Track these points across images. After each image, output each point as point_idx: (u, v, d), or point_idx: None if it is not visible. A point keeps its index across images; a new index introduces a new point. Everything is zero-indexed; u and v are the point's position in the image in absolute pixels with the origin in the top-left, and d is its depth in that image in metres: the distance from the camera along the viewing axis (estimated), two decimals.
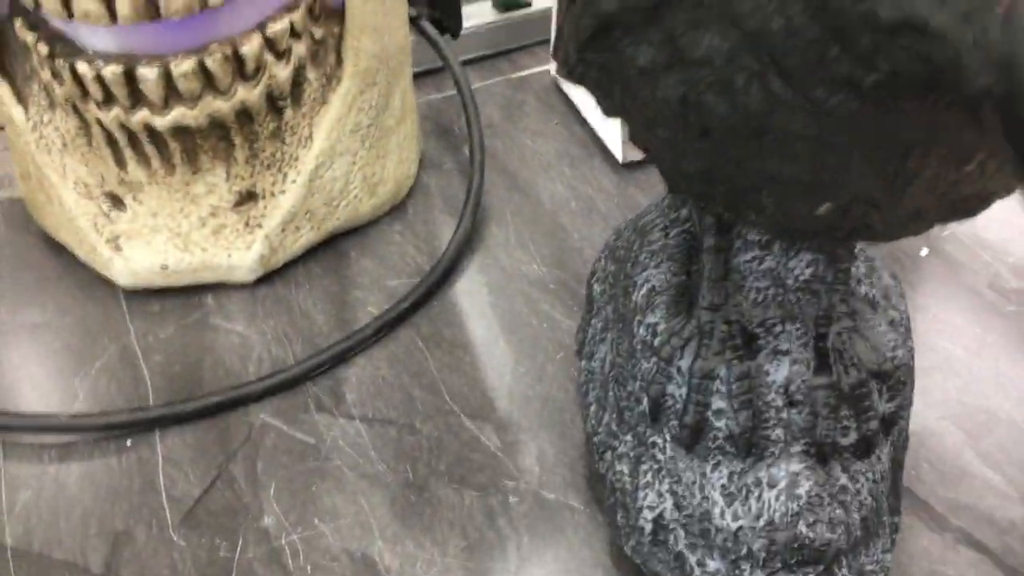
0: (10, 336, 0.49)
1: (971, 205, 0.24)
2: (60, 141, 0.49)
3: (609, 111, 0.28)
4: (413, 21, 0.62)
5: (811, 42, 0.18)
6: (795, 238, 0.31)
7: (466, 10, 0.69)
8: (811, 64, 0.18)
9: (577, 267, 0.51)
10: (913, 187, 0.22)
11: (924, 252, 0.50)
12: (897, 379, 0.33)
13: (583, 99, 0.63)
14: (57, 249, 0.53)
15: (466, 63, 0.68)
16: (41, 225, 0.54)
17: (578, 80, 0.28)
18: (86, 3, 0.41)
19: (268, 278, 0.51)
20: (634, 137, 0.28)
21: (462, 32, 0.66)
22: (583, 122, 0.61)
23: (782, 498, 0.32)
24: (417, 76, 0.65)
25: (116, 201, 0.49)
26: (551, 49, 0.30)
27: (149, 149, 0.47)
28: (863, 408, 0.32)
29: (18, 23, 0.47)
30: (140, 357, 0.47)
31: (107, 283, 0.51)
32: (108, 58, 0.44)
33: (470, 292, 0.50)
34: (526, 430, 0.43)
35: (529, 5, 0.70)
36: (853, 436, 0.32)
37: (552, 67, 0.66)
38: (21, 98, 0.50)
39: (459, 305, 0.49)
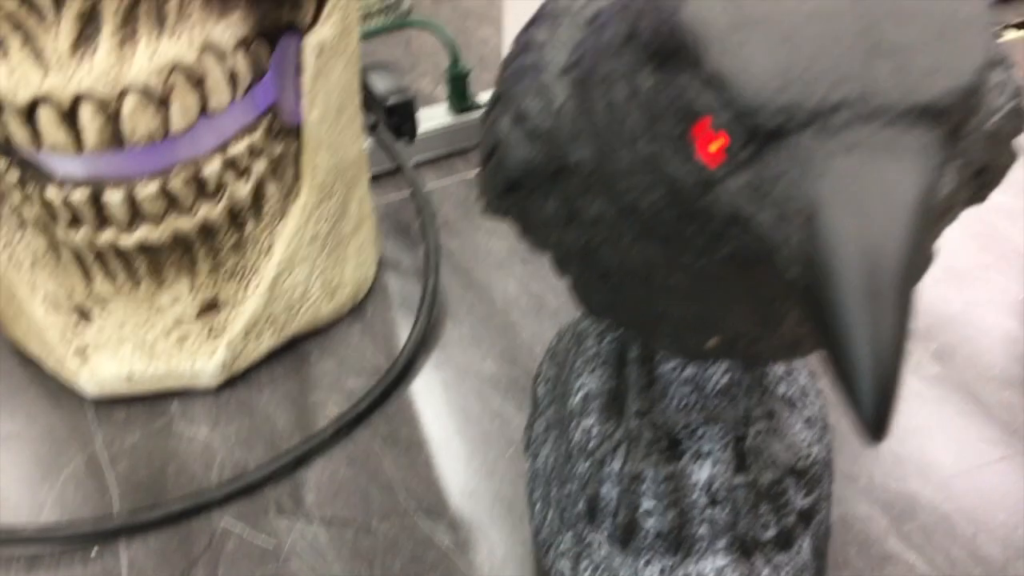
0: None
1: None
2: (30, 259, 0.52)
3: (529, 246, 0.30)
4: (371, 128, 0.65)
5: (673, 220, 0.21)
6: (698, 360, 0.34)
7: (422, 113, 0.72)
8: (676, 236, 0.21)
9: (527, 364, 0.53)
10: (783, 324, 0.25)
11: None
12: (813, 475, 0.36)
13: None
14: (25, 360, 0.55)
15: (424, 164, 0.71)
16: (10, 337, 0.56)
17: (500, 217, 0.31)
18: (53, 135, 0.44)
19: (231, 383, 0.53)
20: (553, 268, 0.30)
21: (419, 134, 0.70)
22: None
23: None
24: (378, 178, 0.68)
25: (84, 314, 0.52)
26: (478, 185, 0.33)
27: (115, 265, 0.49)
28: (780, 504, 0.34)
29: None
30: (106, 465, 0.49)
31: (75, 393, 0.53)
32: (76, 183, 0.47)
33: (426, 391, 0.52)
34: (478, 527, 0.44)
35: (483, 107, 0.74)
36: (773, 530, 0.35)
37: None
38: None
39: (415, 404, 0.52)
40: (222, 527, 0.45)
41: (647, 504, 0.35)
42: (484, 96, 0.75)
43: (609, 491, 0.36)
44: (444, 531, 0.44)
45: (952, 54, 0.18)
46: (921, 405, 0.49)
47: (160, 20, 0.44)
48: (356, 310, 0.58)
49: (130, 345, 0.51)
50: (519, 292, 0.59)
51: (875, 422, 0.18)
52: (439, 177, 0.70)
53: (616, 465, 0.35)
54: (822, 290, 0.17)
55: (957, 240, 0.60)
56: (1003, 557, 0.41)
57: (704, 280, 0.22)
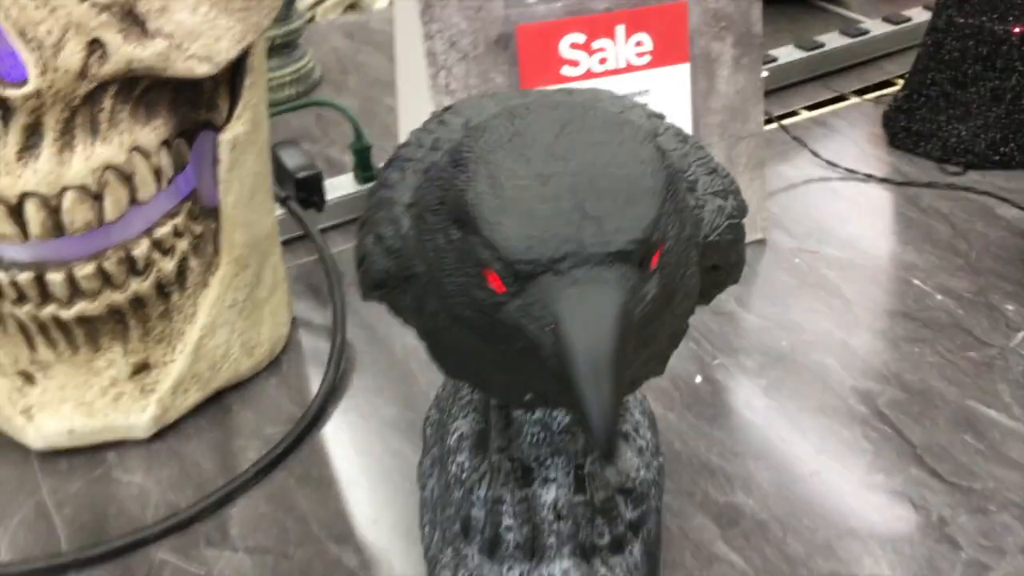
0: None
1: (631, 388, 0.36)
2: None
3: (400, 320, 0.39)
4: (282, 201, 0.73)
5: (482, 323, 0.30)
6: (525, 408, 0.43)
7: (330, 182, 0.81)
8: (486, 333, 0.30)
9: (423, 408, 0.61)
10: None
11: (698, 379, 0.62)
12: (640, 493, 0.45)
13: None
14: None
15: (332, 228, 0.79)
16: None
17: (374, 301, 0.39)
18: (2, 228, 0.51)
19: (161, 434, 0.60)
20: (419, 338, 0.39)
21: (328, 202, 0.78)
22: None
23: None
24: (289, 242, 0.76)
25: (28, 378, 0.59)
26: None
27: (56, 335, 0.56)
28: (612, 517, 0.43)
29: None
30: (53, 510, 0.56)
31: (20, 447, 0.60)
32: (22, 267, 0.54)
33: (335, 434, 0.60)
34: (380, 550, 0.52)
35: None
36: (607, 538, 0.43)
37: None
38: None
39: (326, 446, 0.59)
40: (159, 558, 0.52)
41: (507, 521, 0.43)
42: None
43: (478, 513, 0.44)
44: (351, 554, 0.52)
45: (632, 217, 0.27)
46: (750, 432, 0.58)
47: (94, 129, 0.51)
48: (272, 365, 0.66)
49: (71, 404, 0.58)
50: (416, 344, 0.67)
51: (606, 450, 0.27)
52: (347, 241, 0.78)
53: (482, 492, 0.44)
54: (566, 374, 0.26)
55: (793, 291, 0.70)
56: (805, 554, 0.51)
57: (510, 359, 0.31)
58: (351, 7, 1.54)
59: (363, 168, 0.81)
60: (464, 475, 0.45)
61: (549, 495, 0.43)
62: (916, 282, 0.71)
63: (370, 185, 0.81)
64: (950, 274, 0.71)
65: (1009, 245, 0.74)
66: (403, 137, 0.72)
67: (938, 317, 0.67)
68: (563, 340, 0.26)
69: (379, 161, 0.83)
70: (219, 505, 0.55)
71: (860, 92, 0.99)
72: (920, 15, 1.07)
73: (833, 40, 1.02)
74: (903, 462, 0.56)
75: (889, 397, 0.60)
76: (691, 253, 0.32)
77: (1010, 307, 0.67)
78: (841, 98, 0.99)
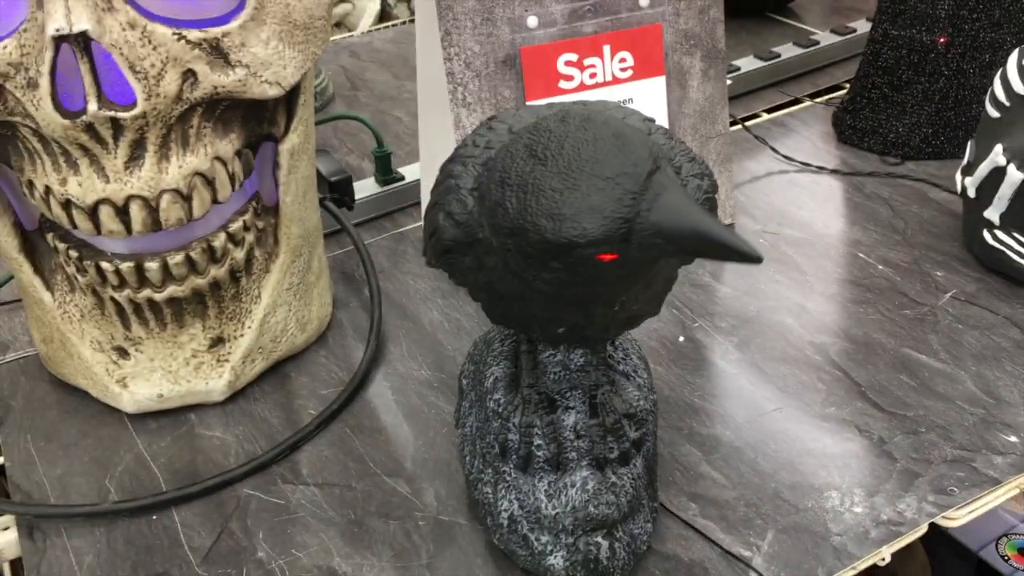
0: (49, 455, 0.68)
1: (635, 323, 0.48)
2: (79, 313, 0.70)
3: (455, 283, 0.51)
4: (320, 202, 0.85)
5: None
6: (558, 344, 0.55)
7: (356, 185, 0.92)
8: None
9: (452, 369, 0.73)
10: (596, 318, 0.46)
11: (681, 339, 0.75)
12: (640, 418, 0.57)
13: None
14: (70, 390, 0.73)
15: (359, 225, 0.91)
16: (58, 374, 0.73)
17: (436, 267, 0.51)
18: (111, 225, 0.62)
19: (233, 397, 0.72)
20: (470, 295, 0.51)
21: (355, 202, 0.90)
22: None
23: (579, 493, 0.54)
24: (325, 236, 0.87)
25: (122, 352, 0.70)
26: (422, 252, 0.55)
27: (148, 315, 0.68)
28: (620, 436, 0.55)
29: (50, 235, 0.68)
30: (150, 460, 0.67)
31: (114, 411, 0.71)
32: (123, 258, 0.65)
33: (379, 394, 0.72)
34: (426, 479, 0.64)
35: (403, 178, 0.94)
36: (616, 452, 0.55)
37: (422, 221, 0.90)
38: (48, 286, 0.70)
39: (372, 403, 0.71)
40: (244, 493, 0.64)
41: (537, 441, 0.55)
42: (403, 170, 0.95)
43: (513, 436, 0.56)
44: (403, 484, 0.64)
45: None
46: (725, 379, 0.71)
47: (185, 142, 0.63)
48: (320, 339, 0.77)
49: (160, 373, 0.70)
50: (441, 319, 0.79)
51: (751, 252, 0.38)
52: (372, 236, 0.90)
53: (517, 419, 0.56)
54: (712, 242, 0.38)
55: (759, 266, 0.83)
56: (772, 470, 0.63)
57: (549, 298, 0.43)
58: (336, 25, 1.65)
59: (383, 172, 0.93)
60: (500, 408, 0.57)
61: (570, 419, 0.55)
62: (861, 255, 0.83)
63: (390, 187, 0.93)
64: (889, 248, 0.84)
65: (939, 223, 0.87)
66: (423, 142, 0.84)
67: (879, 283, 0.80)
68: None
69: (396, 165, 0.95)
70: (289, 451, 0.67)
71: (813, 96, 1.12)
72: (864, 26, 1.21)
73: (788, 50, 1.15)
74: (850, 397, 0.68)
75: (839, 348, 0.73)
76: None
77: (939, 273, 0.80)
78: (796, 101, 1.11)
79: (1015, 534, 0.95)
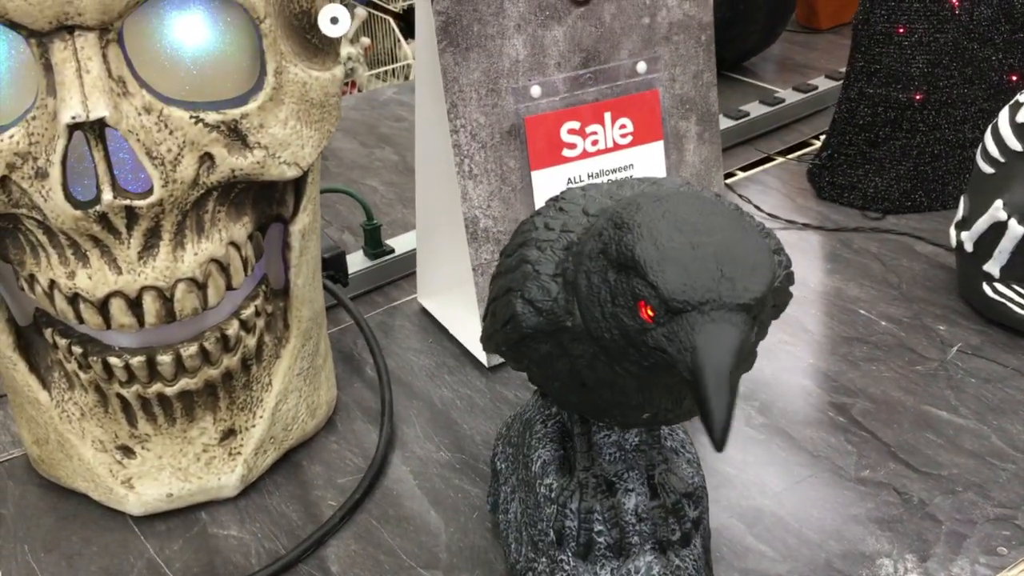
0: (52, 567, 0.63)
1: None
2: (79, 412, 0.65)
3: (518, 369, 0.49)
4: None
5: (624, 350, 0.41)
6: (626, 428, 0.54)
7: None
8: (626, 359, 0.41)
9: (472, 450, 0.71)
10: (684, 402, 0.45)
11: None
12: (697, 496, 0.55)
13: (449, 319, 0.84)
14: (65, 494, 0.68)
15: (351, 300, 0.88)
16: (53, 477, 0.68)
17: (498, 353, 0.49)
18: (122, 319, 0.59)
19: (245, 492, 0.68)
20: (532, 382, 0.49)
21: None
22: (451, 338, 0.83)
23: None
24: None
25: (127, 451, 0.66)
26: (480, 339, 0.53)
27: (157, 410, 0.64)
28: (681, 516, 0.54)
29: (48, 331, 0.63)
30: (165, 565, 0.63)
31: (116, 515, 0.66)
32: (133, 352, 0.61)
33: (400, 479, 0.69)
34: (465, 570, 0.61)
35: (393, 251, 0.92)
36: (678, 534, 0.54)
37: (418, 295, 0.88)
38: (45, 384, 0.66)
39: (394, 490, 0.68)
40: None
41: (598, 527, 0.53)
42: (391, 242, 0.93)
43: (571, 523, 0.54)
44: None
45: (755, 283, 0.38)
46: (755, 445, 0.70)
47: (200, 228, 0.60)
48: (328, 424, 0.74)
49: (168, 471, 0.65)
50: (452, 396, 0.77)
51: (721, 439, 0.37)
52: (364, 311, 0.87)
53: (574, 505, 0.54)
54: (698, 384, 0.37)
55: None
56: (819, 539, 0.62)
57: (643, 383, 0.42)
58: None
59: (373, 245, 0.91)
60: (553, 494, 0.55)
61: (631, 502, 0.53)
62: (863, 312, 0.84)
63: (380, 260, 0.91)
64: (888, 303, 0.85)
65: (931, 275, 0.88)
66: (421, 213, 0.82)
67: (886, 340, 0.80)
68: (699, 359, 0.37)
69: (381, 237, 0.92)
70: (315, 547, 0.63)
71: (783, 153, 1.14)
72: (824, 83, 1.24)
73: (755, 109, 1.17)
74: (882, 459, 0.68)
75: (860, 408, 0.73)
76: (769, 303, 0.43)
77: (942, 327, 0.81)
78: (768, 159, 1.13)
79: None
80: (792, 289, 0.45)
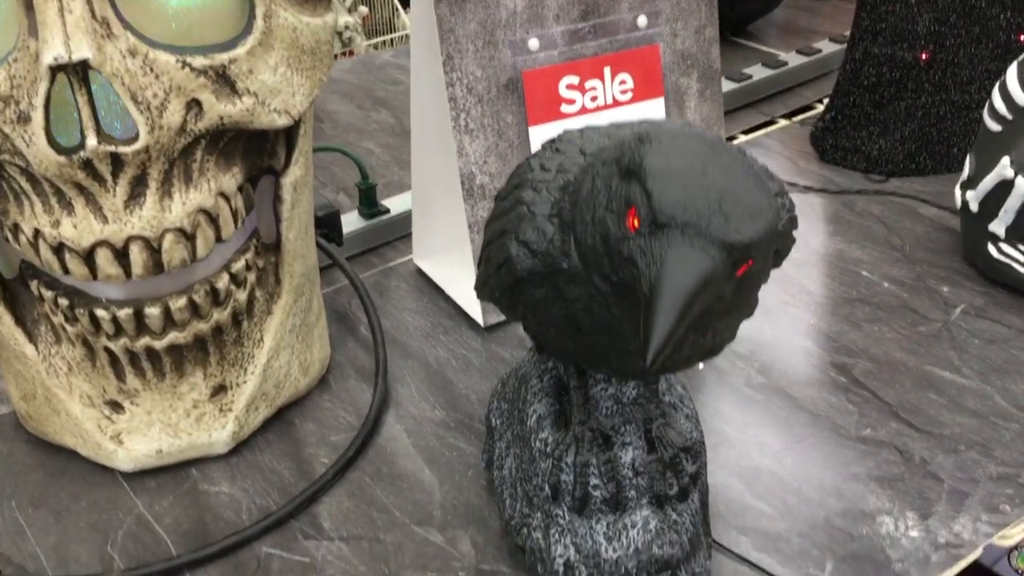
0: (39, 522, 0.62)
1: (716, 351, 0.46)
2: (66, 366, 0.64)
3: (512, 318, 0.48)
4: None
5: (598, 257, 0.40)
6: (623, 378, 0.52)
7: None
8: (598, 270, 0.40)
9: (468, 408, 0.70)
10: (685, 348, 0.44)
11: (701, 367, 0.73)
12: (695, 451, 0.54)
13: (444, 279, 0.83)
14: (52, 451, 0.67)
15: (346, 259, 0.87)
16: (40, 433, 0.67)
17: (493, 303, 0.48)
18: (108, 270, 0.58)
19: (237, 449, 0.67)
20: (527, 331, 0.48)
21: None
22: (447, 299, 0.82)
23: (641, 533, 0.51)
24: None
25: (115, 406, 0.64)
26: (475, 287, 0.51)
27: (145, 365, 0.63)
28: (678, 471, 0.53)
29: (34, 283, 0.62)
30: (153, 522, 0.62)
31: (105, 471, 0.65)
32: (120, 304, 0.60)
33: (394, 438, 0.68)
34: (459, 527, 0.60)
35: (388, 211, 0.90)
36: (675, 488, 0.53)
37: (413, 256, 0.87)
38: (31, 338, 0.64)
39: (388, 448, 0.67)
40: (264, 552, 0.59)
41: (594, 481, 0.52)
42: (386, 202, 0.92)
43: (566, 477, 0.53)
44: (435, 533, 0.60)
45: (748, 226, 0.37)
46: (754, 405, 0.69)
47: (188, 177, 0.58)
48: (322, 382, 0.73)
49: (158, 426, 0.64)
50: (447, 355, 0.75)
51: (652, 362, 0.36)
52: (360, 271, 0.86)
53: (570, 459, 0.52)
54: (650, 299, 0.36)
55: (766, 288, 0.81)
56: (818, 497, 0.61)
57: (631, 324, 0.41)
58: None
59: (368, 205, 0.89)
60: (549, 448, 0.53)
61: (627, 456, 0.52)
62: (865, 273, 0.83)
63: (375, 220, 0.89)
64: (891, 265, 0.84)
65: (935, 238, 0.87)
66: (416, 172, 0.81)
67: (888, 301, 0.79)
68: (661, 274, 0.36)
69: (377, 198, 0.91)
70: (307, 504, 0.62)
71: (786, 116, 1.13)
72: (828, 47, 1.22)
73: (758, 72, 1.15)
74: (883, 418, 0.67)
75: (862, 368, 0.72)
76: (770, 256, 0.42)
77: (945, 288, 0.80)
78: (771, 122, 1.11)
79: None
80: (794, 251, 0.45)
